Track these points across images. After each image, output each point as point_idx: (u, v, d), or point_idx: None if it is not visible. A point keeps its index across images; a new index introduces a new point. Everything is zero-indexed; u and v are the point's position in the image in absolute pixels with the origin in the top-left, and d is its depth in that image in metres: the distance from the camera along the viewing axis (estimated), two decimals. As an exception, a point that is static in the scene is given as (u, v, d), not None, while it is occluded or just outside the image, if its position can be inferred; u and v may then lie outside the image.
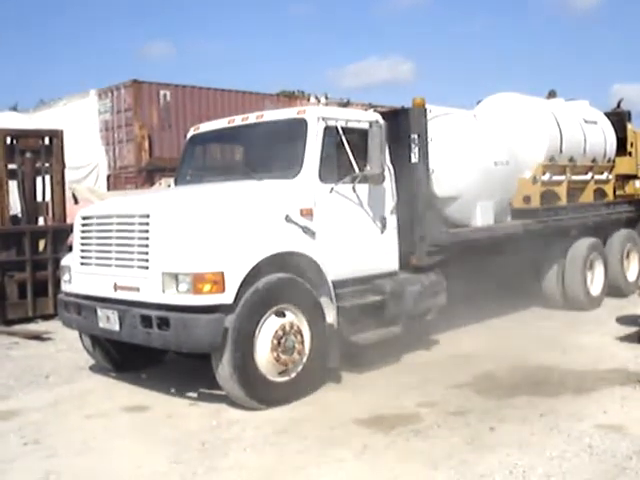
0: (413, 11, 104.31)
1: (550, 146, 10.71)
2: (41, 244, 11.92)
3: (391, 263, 8.05)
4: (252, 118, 8.04)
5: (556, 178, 10.99)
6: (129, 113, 22.86)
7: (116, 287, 6.77)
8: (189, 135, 8.89)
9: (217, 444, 5.70)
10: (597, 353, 8.32)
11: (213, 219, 6.59)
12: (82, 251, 7.36)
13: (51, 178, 12.23)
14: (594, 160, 11.81)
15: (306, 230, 7.05)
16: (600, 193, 12.37)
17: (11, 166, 11.96)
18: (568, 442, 5.46)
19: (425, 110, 8.21)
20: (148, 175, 22.12)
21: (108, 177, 23.28)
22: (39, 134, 12.54)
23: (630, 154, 13.28)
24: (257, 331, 6.43)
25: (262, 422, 6.17)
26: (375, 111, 8.51)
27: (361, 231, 7.67)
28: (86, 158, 22.21)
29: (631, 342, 8.75)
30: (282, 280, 6.68)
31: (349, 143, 7.44)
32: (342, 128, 7.48)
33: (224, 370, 6.33)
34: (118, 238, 6.90)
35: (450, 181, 8.68)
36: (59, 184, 12.26)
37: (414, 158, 8.07)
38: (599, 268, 11.49)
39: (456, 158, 8.80)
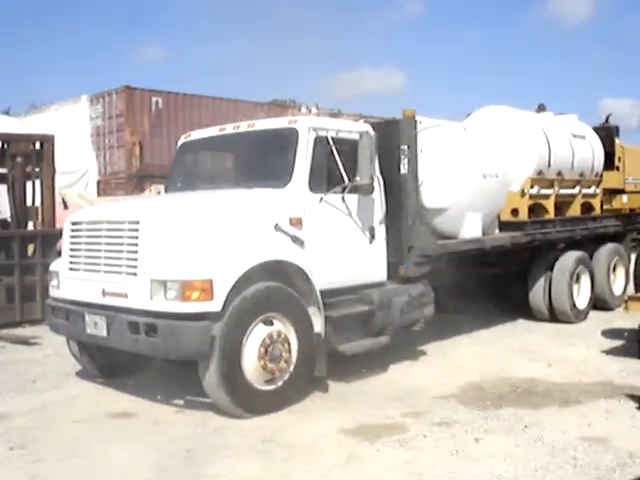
0: (405, 23, 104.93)
1: (539, 160, 10.79)
2: (30, 249, 11.90)
3: (379, 273, 8.07)
4: (243, 127, 8.07)
5: (544, 192, 11.06)
6: (120, 119, 22.84)
7: (104, 293, 6.77)
8: (180, 142, 8.90)
9: (202, 451, 5.70)
10: (583, 366, 8.36)
11: (203, 227, 6.61)
12: (71, 256, 7.35)
13: (41, 183, 12.21)
14: (582, 174, 11.89)
15: (295, 239, 7.08)
16: (587, 207, 12.44)
17: (1, 170, 11.97)
18: (552, 454, 5.49)
19: (415, 122, 8.26)
20: (138, 181, 22.07)
21: (98, 183, 23.21)
22: (30, 139, 12.56)
23: (618, 169, 13.39)
24: (245, 339, 6.44)
25: (248, 430, 6.17)
26: (365, 122, 8.56)
27: (350, 241, 7.69)
28: (77, 163, 22.18)
29: (617, 355, 8.81)
30: (270, 289, 6.70)
31: (339, 153, 7.48)
32: (332, 138, 7.52)
33: (211, 378, 6.34)
34: (107, 244, 6.90)
35: (439, 193, 8.72)
36: (49, 189, 12.25)
37: (403, 169, 8.12)
38: (585, 281, 11.55)
39: (445, 170, 8.84)
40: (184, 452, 5.68)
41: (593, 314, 11.61)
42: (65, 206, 15.80)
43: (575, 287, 11.21)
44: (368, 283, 7.89)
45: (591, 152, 12.11)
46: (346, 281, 7.63)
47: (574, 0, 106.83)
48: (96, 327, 6.79)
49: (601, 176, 12.55)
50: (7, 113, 28.57)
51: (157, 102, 23.00)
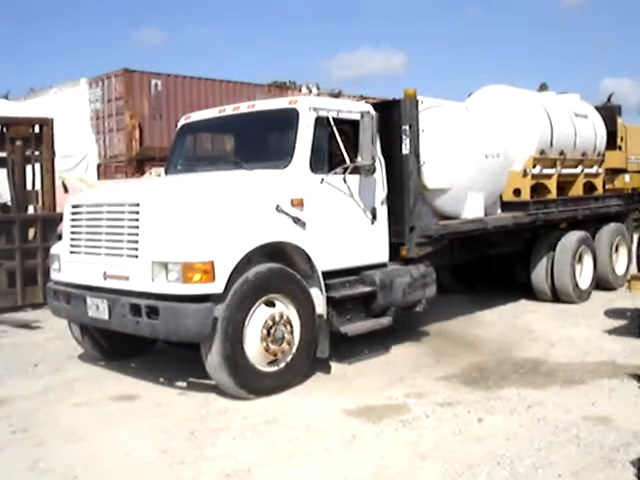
0: (406, 2, 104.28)
1: (541, 139, 10.73)
2: (31, 232, 11.88)
3: (381, 254, 8.04)
4: (243, 108, 8.01)
5: (546, 171, 11.02)
6: (120, 102, 22.77)
7: (106, 276, 6.75)
8: (180, 124, 8.85)
9: (206, 433, 5.70)
10: (585, 346, 8.36)
11: (203, 208, 6.57)
12: (72, 240, 7.33)
13: (41, 166, 12.17)
14: (584, 154, 11.83)
15: (296, 220, 7.04)
16: (590, 187, 12.40)
17: (1, 154, 11.91)
18: (556, 434, 5.49)
19: (417, 101, 8.20)
20: (138, 164, 22.07)
21: (98, 166, 23.19)
22: (29, 122, 12.48)
23: (620, 148, 13.36)
24: (247, 321, 6.43)
25: (251, 412, 6.17)
26: (367, 102, 8.50)
27: (351, 222, 7.66)
28: (76, 147, 22.12)
29: (620, 335, 8.79)
30: (272, 270, 6.68)
31: (340, 134, 7.44)
32: (333, 119, 7.46)
33: (213, 360, 6.33)
34: (108, 227, 6.88)
35: (441, 173, 8.68)
36: (49, 173, 12.21)
37: (405, 149, 8.07)
38: (588, 261, 11.52)
39: (447, 150, 8.79)
40: (187, 434, 5.68)
41: (595, 294, 11.59)
42: (65, 190, 15.76)
43: (577, 267, 11.18)
44: (370, 264, 7.87)
45: (593, 131, 12.05)
46: (348, 262, 7.61)
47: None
48: (98, 310, 6.78)
49: (603, 155, 12.50)
50: (6, 97, 28.43)
51: (156, 84, 22.92)
